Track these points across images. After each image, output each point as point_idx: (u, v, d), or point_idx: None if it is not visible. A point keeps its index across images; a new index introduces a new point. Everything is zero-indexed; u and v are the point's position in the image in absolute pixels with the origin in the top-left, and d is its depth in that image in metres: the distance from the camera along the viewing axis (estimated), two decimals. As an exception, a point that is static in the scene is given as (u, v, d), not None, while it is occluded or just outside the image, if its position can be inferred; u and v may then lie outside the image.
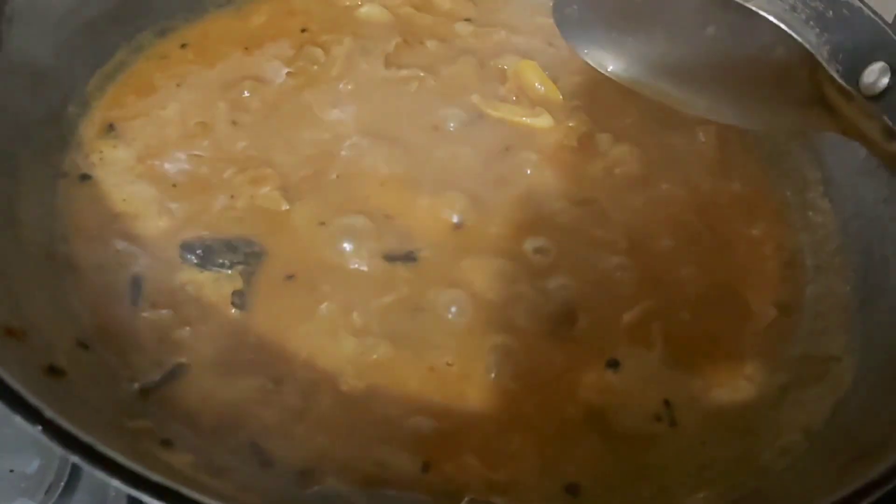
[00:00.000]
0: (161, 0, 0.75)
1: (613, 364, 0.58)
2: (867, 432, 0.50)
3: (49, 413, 0.38)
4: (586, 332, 0.60)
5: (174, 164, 0.65)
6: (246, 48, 0.75)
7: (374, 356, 0.57)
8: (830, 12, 0.69)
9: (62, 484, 0.59)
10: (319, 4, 0.80)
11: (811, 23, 0.71)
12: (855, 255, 0.65)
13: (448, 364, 0.57)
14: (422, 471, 0.52)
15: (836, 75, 0.67)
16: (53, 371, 0.48)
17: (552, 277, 0.62)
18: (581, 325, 0.60)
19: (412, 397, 0.55)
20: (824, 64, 0.57)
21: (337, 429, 0.53)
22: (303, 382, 0.55)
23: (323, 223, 0.63)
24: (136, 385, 0.53)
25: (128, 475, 0.38)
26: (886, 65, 0.64)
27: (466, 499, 0.51)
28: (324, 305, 0.59)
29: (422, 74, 0.74)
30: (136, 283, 0.58)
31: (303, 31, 0.77)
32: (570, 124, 0.72)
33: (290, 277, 0.60)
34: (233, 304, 0.58)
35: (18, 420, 0.38)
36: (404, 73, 0.74)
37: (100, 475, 0.38)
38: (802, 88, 0.60)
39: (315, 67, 0.74)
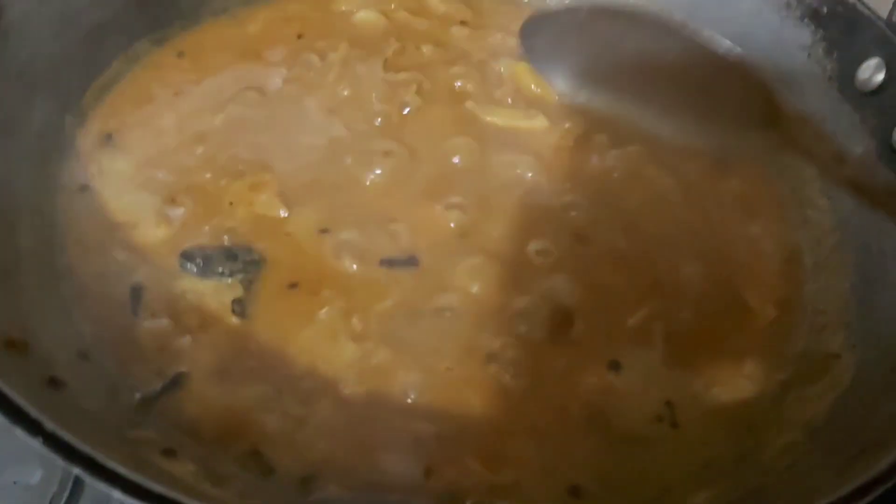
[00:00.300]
0: (157, 9, 0.75)
1: (615, 366, 0.58)
2: (868, 429, 0.50)
3: (50, 425, 0.38)
4: (586, 333, 0.60)
5: (172, 174, 0.65)
6: (242, 55, 0.75)
7: (375, 361, 0.57)
8: (825, 9, 0.70)
9: (65, 495, 0.59)
10: (315, 10, 0.80)
11: (805, 20, 0.71)
12: (853, 251, 0.64)
13: (448, 368, 0.57)
14: (423, 476, 0.52)
15: (830, 72, 0.68)
16: (54, 383, 0.48)
17: (552, 279, 0.62)
18: (581, 326, 0.60)
19: (413, 402, 0.55)
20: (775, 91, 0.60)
21: (338, 435, 0.53)
22: (303, 389, 0.55)
23: (322, 229, 0.63)
24: (138, 395, 0.53)
25: (130, 486, 0.38)
26: (882, 61, 0.64)
27: (468, 503, 0.51)
28: (323, 311, 0.59)
29: (417, 78, 0.74)
30: (136, 293, 0.58)
31: (299, 37, 0.77)
32: (567, 126, 0.72)
33: (289, 284, 0.60)
34: (233, 311, 0.58)
35: (20, 432, 0.38)
36: (402, 76, 0.74)
37: (102, 487, 0.38)
38: (760, 113, 0.62)
39: (311, 73, 0.74)
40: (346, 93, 0.72)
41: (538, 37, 0.72)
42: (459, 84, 0.75)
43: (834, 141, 0.57)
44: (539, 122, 0.72)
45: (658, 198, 0.69)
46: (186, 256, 0.60)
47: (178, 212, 0.63)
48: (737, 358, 0.61)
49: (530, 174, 0.69)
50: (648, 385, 0.58)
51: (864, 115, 0.66)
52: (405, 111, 0.72)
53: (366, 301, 0.59)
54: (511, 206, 0.66)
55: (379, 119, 0.71)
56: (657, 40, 0.66)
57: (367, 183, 0.66)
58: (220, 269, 0.59)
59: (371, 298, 0.60)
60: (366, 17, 0.80)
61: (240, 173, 0.65)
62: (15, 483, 0.60)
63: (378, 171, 0.67)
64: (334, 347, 0.57)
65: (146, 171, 0.65)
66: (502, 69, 0.76)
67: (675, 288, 0.63)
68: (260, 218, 0.63)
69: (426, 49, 0.78)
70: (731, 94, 0.64)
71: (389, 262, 0.61)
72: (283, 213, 0.63)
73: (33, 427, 0.39)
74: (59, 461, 0.38)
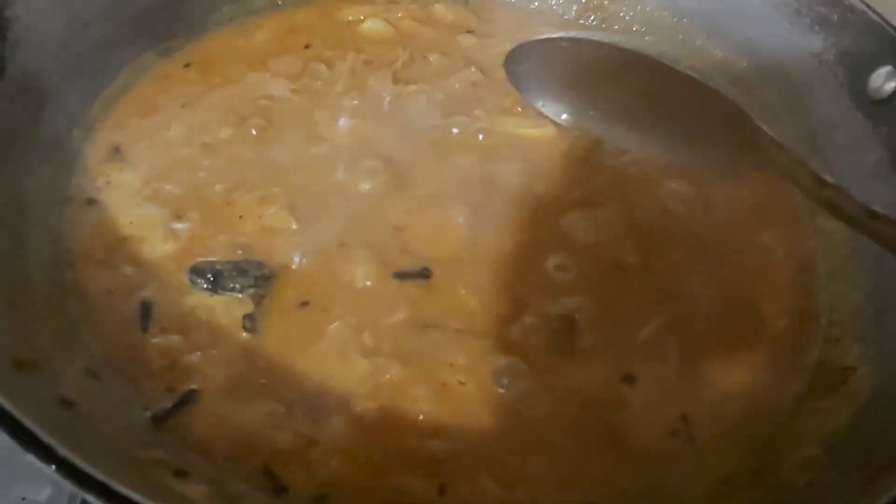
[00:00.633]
0: (162, 20, 0.74)
1: (629, 379, 0.58)
2: (887, 445, 0.50)
3: (62, 451, 0.38)
4: (599, 346, 0.59)
5: (180, 186, 0.65)
6: (249, 66, 0.75)
7: (387, 377, 0.56)
8: (835, 16, 0.69)
9: (74, 512, 0.59)
10: (322, 20, 0.80)
11: (816, 27, 0.71)
12: (867, 260, 0.64)
13: (461, 383, 0.56)
14: (437, 494, 0.52)
15: (841, 79, 0.68)
16: (65, 403, 0.47)
17: (565, 292, 0.61)
18: (594, 339, 0.59)
19: (426, 418, 0.55)
20: (758, 123, 0.61)
21: (351, 453, 0.53)
22: (315, 406, 0.54)
23: (332, 242, 0.62)
24: (148, 413, 0.53)
25: (143, 511, 0.38)
26: (893, 69, 0.64)
27: (483, 522, 0.51)
28: (334, 326, 0.58)
29: (426, 88, 0.74)
30: (146, 309, 0.58)
31: (306, 47, 0.77)
32: (576, 134, 0.72)
33: (300, 299, 0.59)
34: (243, 327, 0.57)
35: (31, 458, 0.38)
36: (412, 87, 0.74)
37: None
38: (739, 137, 0.63)
39: (319, 83, 0.74)
40: (354, 103, 0.72)
41: (522, 65, 0.73)
42: (468, 93, 0.74)
43: (811, 165, 0.57)
44: (548, 131, 0.72)
45: (669, 207, 0.68)
46: (196, 272, 0.59)
47: (186, 226, 0.62)
48: (751, 369, 0.60)
49: (541, 182, 0.68)
50: (663, 399, 0.57)
51: (876, 122, 0.65)
52: (413, 122, 0.71)
53: (377, 315, 0.59)
54: (520, 216, 0.66)
55: (387, 129, 0.70)
56: (636, 67, 0.67)
57: (378, 195, 0.66)
58: (231, 285, 0.59)
59: (382, 312, 0.59)
60: (373, 26, 0.79)
61: (248, 186, 0.65)
62: (23, 500, 0.60)
63: (388, 183, 0.66)
64: (346, 363, 0.57)
65: (154, 184, 0.65)
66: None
67: (688, 299, 0.63)
68: (269, 230, 0.63)
69: (433, 58, 0.78)
70: (710, 119, 0.65)
71: (402, 275, 0.61)
72: (293, 226, 0.63)
73: (46, 453, 0.38)
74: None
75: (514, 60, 0.74)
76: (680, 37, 0.80)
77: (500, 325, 0.59)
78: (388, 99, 0.73)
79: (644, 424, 0.56)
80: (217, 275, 0.59)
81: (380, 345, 0.58)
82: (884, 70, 0.65)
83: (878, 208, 0.64)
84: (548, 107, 0.73)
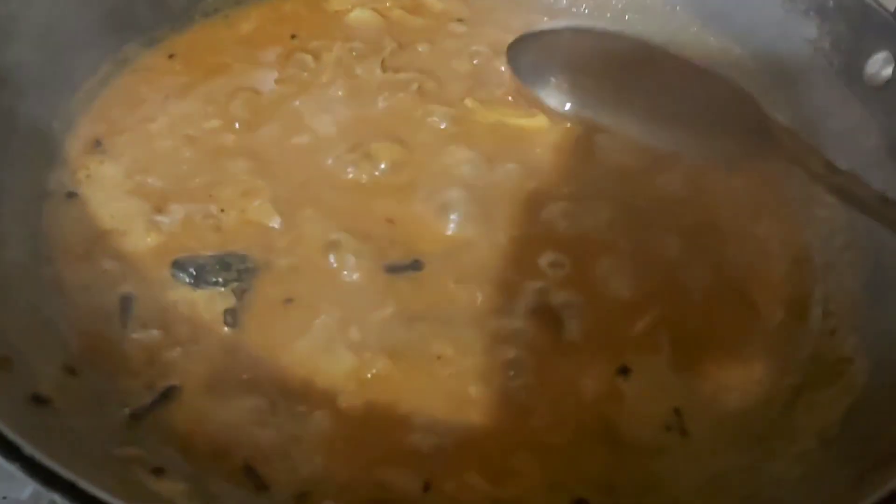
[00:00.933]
0: (147, 11, 0.73)
1: (623, 371, 0.57)
2: (883, 439, 0.49)
3: (29, 449, 0.37)
4: (593, 339, 0.58)
5: (163, 179, 0.64)
6: (234, 57, 0.74)
7: (373, 371, 0.55)
8: (830, 2, 0.69)
9: (56, 511, 0.58)
10: (309, 10, 0.79)
11: (811, 13, 0.70)
12: (864, 251, 0.63)
13: (449, 376, 0.55)
14: (423, 490, 0.51)
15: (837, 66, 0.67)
16: (38, 400, 0.46)
17: (557, 284, 0.60)
18: (587, 333, 0.58)
19: (412, 413, 0.54)
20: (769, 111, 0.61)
21: (335, 449, 0.52)
22: (299, 401, 0.53)
23: (318, 235, 0.61)
24: (126, 410, 0.52)
25: (113, 512, 0.37)
26: (890, 55, 0.63)
27: (469, 518, 0.50)
28: (320, 320, 0.57)
29: (416, 77, 0.73)
30: (126, 304, 0.57)
31: (292, 37, 0.76)
32: (568, 125, 0.71)
33: (285, 293, 0.58)
34: (225, 322, 0.56)
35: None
36: (402, 76, 0.73)
37: (84, 511, 0.36)
38: (749, 125, 0.62)
39: (305, 74, 0.73)
40: (340, 93, 0.71)
41: (525, 56, 0.72)
42: (459, 82, 0.73)
43: (822, 151, 0.57)
44: (540, 121, 0.71)
45: (662, 198, 0.67)
46: (179, 266, 0.58)
47: (168, 219, 0.61)
48: (745, 362, 0.59)
49: (531, 174, 0.67)
50: (656, 392, 0.56)
51: (873, 110, 0.64)
52: (401, 112, 0.70)
53: (364, 309, 0.58)
54: (513, 207, 0.65)
55: (373, 120, 0.69)
56: (641, 57, 0.67)
57: (364, 186, 0.65)
58: (214, 279, 0.58)
59: (370, 306, 0.58)
60: (360, 15, 0.78)
61: (232, 179, 0.64)
62: (5, 498, 0.58)
63: (374, 174, 0.65)
64: (331, 357, 0.55)
65: (136, 177, 0.64)
66: (502, 67, 0.74)
67: (682, 291, 0.62)
68: (253, 224, 0.62)
69: (423, 48, 0.77)
70: (719, 106, 0.65)
71: (392, 268, 0.60)
72: (277, 219, 0.62)
73: (10, 451, 0.37)
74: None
75: (515, 51, 0.73)
76: (673, 25, 0.79)
77: (491, 318, 0.58)
78: (376, 89, 0.72)
79: (637, 418, 0.55)
80: (199, 269, 0.58)
81: (366, 339, 0.56)
82: (880, 56, 0.64)
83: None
84: (552, 97, 0.72)
